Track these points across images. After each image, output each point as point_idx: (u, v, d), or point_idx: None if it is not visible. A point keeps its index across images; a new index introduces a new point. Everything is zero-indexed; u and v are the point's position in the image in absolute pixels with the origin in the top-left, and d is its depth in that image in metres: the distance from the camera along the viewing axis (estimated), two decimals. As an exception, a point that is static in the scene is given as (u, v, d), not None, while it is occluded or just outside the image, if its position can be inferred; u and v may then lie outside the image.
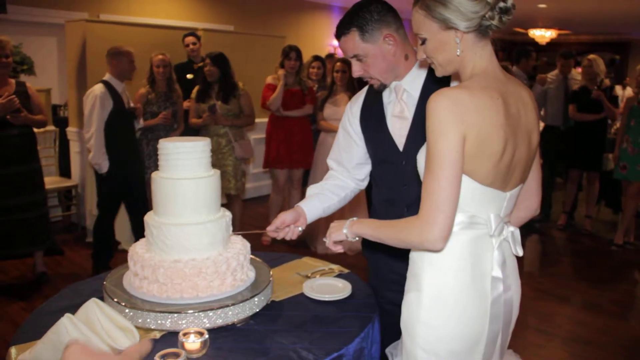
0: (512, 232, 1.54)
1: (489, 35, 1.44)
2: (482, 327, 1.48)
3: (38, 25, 6.48)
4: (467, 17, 1.38)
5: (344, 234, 1.66)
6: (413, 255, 1.53)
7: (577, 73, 6.56)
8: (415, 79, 1.89)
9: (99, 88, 4.28)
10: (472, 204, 1.44)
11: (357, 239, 1.65)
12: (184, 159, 1.74)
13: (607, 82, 5.88)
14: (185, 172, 1.75)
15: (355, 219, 1.65)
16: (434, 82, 1.78)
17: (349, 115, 2.08)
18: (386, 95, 1.96)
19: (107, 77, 4.38)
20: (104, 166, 4.32)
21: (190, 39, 5.68)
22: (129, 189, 4.53)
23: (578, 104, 5.81)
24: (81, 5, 6.73)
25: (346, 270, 2.17)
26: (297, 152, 5.23)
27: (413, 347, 1.49)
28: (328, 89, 5.10)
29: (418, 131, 1.82)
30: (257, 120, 6.45)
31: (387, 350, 1.74)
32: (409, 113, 1.88)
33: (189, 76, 5.55)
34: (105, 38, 5.25)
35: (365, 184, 2.15)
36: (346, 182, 2.10)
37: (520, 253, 1.54)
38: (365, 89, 2.07)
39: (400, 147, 1.90)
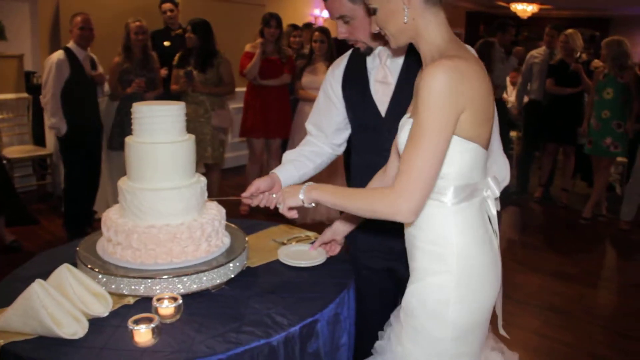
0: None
1: (439, 1, 1.43)
2: (499, 285, 1.53)
3: (10, -11, 6.28)
4: None
5: (299, 200, 1.59)
6: (429, 236, 1.47)
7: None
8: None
9: (57, 55, 4.29)
10: (477, 171, 1.45)
11: (313, 205, 1.59)
12: (158, 123, 1.71)
13: (584, 56, 5.91)
14: (159, 136, 1.72)
15: (311, 183, 1.60)
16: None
17: (330, 79, 2.04)
18: (370, 61, 1.93)
19: (70, 44, 4.38)
20: (62, 129, 4.35)
21: (167, 5, 5.54)
22: (87, 156, 4.54)
23: (556, 77, 5.83)
24: (55, -31, 6.53)
25: (322, 238, 2.16)
26: (274, 122, 5.18)
27: (443, 332, 1.46)
28: (307, 58, 5.05)
29: (401, 97, 1.81)
30: (236, 89, 6.40)
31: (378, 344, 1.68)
32: (393, 79, 1.86)
33: (166, 43, 5.44)
34: (80, 3, 5.12)
35: (341, 150, 2.13)
36: (323, 148, 2.09)
37: (499, 209, 1.56)
38: (348, 53, 2.04)
39: (383, 112, 1.88)
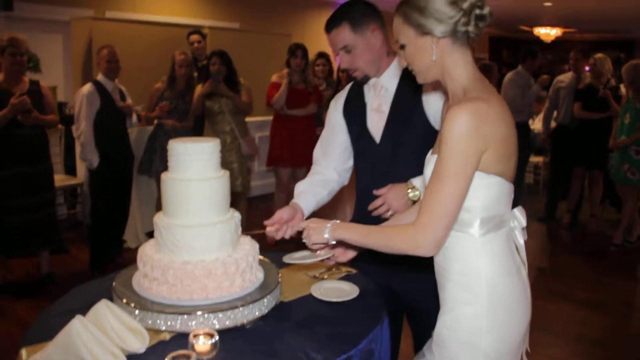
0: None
1: (467, 42, 1.47)
2: (529, 314, 1.56)
3: (44, 22, 6.47)
4: (441, 22, 1.42)
5: (325, 238, 1.65)
6: (457, 267, 1.51)
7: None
8: (392, 76, 2.04)
9: (87, 87, 4.40)
10: (503, 203, 1.50)
11: (335, 242, 1.66)
12: (193, 160, 1.75)
13: (613, 81, 5.86)
14: (194, 173, 1.75)
15: (337, 221, 1.65)
16: (409, 79, 1.86)
17: (333, 109, 2.23)
18: (367, 91, 2.11)
19: (98, 76, 4.49)
20: (94, 161, 4.42)
21: (195, 37, 5.69)
22: (117, 186, 4.61)
23: (584, 102, 5.79)
24: (87, 2, 6.72)
25: (354, 271, 2.17)
26: (300, 151, 5.22)
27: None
28: (334, 88, 5.10)
29: (394, 124, 2.00)
30: (262, 118, 6.48)
31: None
32: (386, 107, 2.03)
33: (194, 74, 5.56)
34: (111, 35, 5.28)
35: (347, 176, 2.27)
36: (330, 176, 2.21)
37: (526, 238, 1.61)
38: (349, 85, 2.22)
39: (377, 139, 2.05)
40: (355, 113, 2.14)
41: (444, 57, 1.47)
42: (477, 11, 1.43)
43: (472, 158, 1.37)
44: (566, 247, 5.85)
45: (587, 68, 6.20)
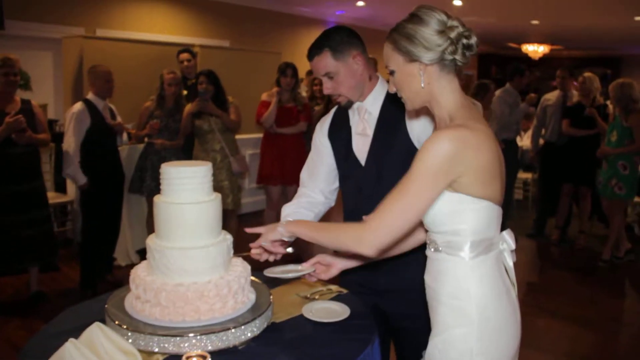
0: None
1: (454, 69, 1.52)
2: (519, 334, 1.59)
3: (34, 39, 6.49)
4: (429, 50, 1.47)
5: (279, 232, 1.76)
6: (448, 290, 1.54)
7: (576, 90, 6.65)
8: (375, 100, 2.09)
9: (77, 106, 4.41)
10: (492, 226, 1.53)
11: (292, 239, 1.80)
12: (186, 184, 1.77)
13: (600, 99, 5.95)
14: (187, 196, 1.77)
15: (290, 219, 1.80)
16: (392, 102, 1.95)
17: (318, 132, 2.28)
18: (351, 115, 2.15)
19: (89, 95, 4.50)
20: (79, 179, 4.41)
21: (184, 55, 5.71)
22: (108, 204, 4.61)
23: (572, 119, 5.87)
24: (78, 20, 6.77)
25: (345, 291, 2.19)
26: (290, 169, 5.24)
27: None
28: (324, 106, 5.15)
29: (378, 147, 2.04)
30: (252, 135, 6.52)
31: None
32: (370, 130, 2.08)
33: (183, 92, 5.58)
34: (102, 53, 5.31)
35: (333, 198, 2.31)
36: (316, 198, 2.25)
37: (515, 260, 1.64)
38: (334, 109, 2.27)
39: (362, 162, 2.09)
40: (340, 136, 2.18)
41: (431, 84, 1.51)
42: (464, 41, 1.48)
43: (440, 183, 1.43)
44: (555, 263, 5.90)
45: (575, 83, 6.31)
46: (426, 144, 1.43)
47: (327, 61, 2.02)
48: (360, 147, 2.10)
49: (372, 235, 1.47)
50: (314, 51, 2.05)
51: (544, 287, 5.08)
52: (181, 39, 7.41)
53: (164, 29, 7.64)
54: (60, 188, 5.85)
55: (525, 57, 13.95)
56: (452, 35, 1.47)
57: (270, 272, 1.93)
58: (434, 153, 1.41)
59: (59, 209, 5.90)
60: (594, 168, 5.82)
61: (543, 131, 6.43)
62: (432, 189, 1.43)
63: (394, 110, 2.00)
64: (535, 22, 10.47)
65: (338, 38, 2.03)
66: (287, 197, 5.43)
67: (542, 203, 6.62)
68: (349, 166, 2.15)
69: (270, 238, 1.80)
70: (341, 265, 1.93)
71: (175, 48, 5.97)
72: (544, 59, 14.28)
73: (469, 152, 1.42)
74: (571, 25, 10.68)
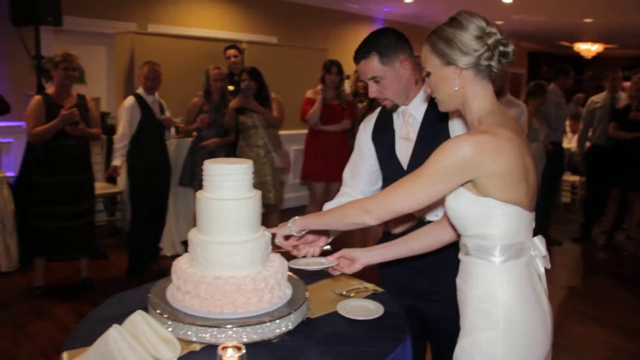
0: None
1: (489, 75, 1.54)
2: (548, 342, 1.58)
3: (88, 34, 6.70)
4: (465, 54, 1.49)
5: (288, 228, 1.86)
6: (476, 293, 1.56)
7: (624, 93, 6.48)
8: (420, 104, 2.09)
9: (128, 100, 4.60)
10: (522, 231, 1.54)
11: (303, 233, 1.88)
12: (227, 181, 1.83)
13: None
14: (228, 193, 1.84)
15: (297, 217, 1.86)
16: (436, 107, 1.89)
17: (362, 133, 2.28)
18: (395, 118, 2.16)
19: (139, 89, 4.67)
20: (116, 162, 4.61)
21: (231, 51, 5.82)
22: (156, 195, 4.75)
23: (620, 122, 5.73)
24: (130, 15, 6.95)
25: (380, 290, 2.22)
26: (334, 166, 5.26)
27: None
28: (368, 104, 5.17)
29: (421, 151, 2.01)
30: (297, 131, 6.58)
31: None
32: (414, 135, 2.09)
33: (229, 88, 5.69)
34: (152, 49, 5.45)
35: None
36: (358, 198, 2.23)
37: (548, 266, 1.64)
38: (377, 110, 2.27)
39: (405, 165, 2.09)
40: (384, 139, 2.19)
41: (465, 88, 1.54)
42: (501, 48, 1.50)
43: (452, 181, 1.48)
44: (600, 269, 5.75)
45: (626, 84, 6.15)
46: (446, 144, 1.47)
47: (374, 65, 2.02)
48: (403, 150, 2.12)
49: (374, 207, 1.61)
50: (361, 54, 2.04)
51: (587, 293, 4.97)
52: (229, 35, 7.52)
53: (213, 25, 7.77)
54: (111, 179, 6.03)
55: (578, 56, 13.61)
56: (490, 41, 1.48)
57: (294, 264, 1.96)
58: (452, 154, 1.45)
59: (109, 199, 6.10)
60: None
61: (590, 133, 6.29)
62: (441, 186, 1.50)
63: (437, 114, 2.01)
64: (588, 20, 10.19)
65: (386, 42, 2.01)
66: (330, 193, 5.48)
67: (589, 207, 6.47)
68: (391, 169, 2.15)
69: (281, 233, 1.89)
70: (365, 260, 1.91)
71: (223, 44, 6.08)
72: (597, 57, 13.89)
73: (486, 157, 1.43)
74: (626, 23, 10.36)
